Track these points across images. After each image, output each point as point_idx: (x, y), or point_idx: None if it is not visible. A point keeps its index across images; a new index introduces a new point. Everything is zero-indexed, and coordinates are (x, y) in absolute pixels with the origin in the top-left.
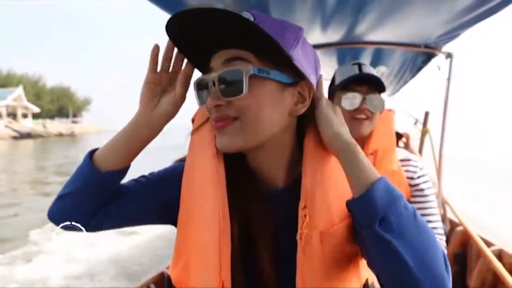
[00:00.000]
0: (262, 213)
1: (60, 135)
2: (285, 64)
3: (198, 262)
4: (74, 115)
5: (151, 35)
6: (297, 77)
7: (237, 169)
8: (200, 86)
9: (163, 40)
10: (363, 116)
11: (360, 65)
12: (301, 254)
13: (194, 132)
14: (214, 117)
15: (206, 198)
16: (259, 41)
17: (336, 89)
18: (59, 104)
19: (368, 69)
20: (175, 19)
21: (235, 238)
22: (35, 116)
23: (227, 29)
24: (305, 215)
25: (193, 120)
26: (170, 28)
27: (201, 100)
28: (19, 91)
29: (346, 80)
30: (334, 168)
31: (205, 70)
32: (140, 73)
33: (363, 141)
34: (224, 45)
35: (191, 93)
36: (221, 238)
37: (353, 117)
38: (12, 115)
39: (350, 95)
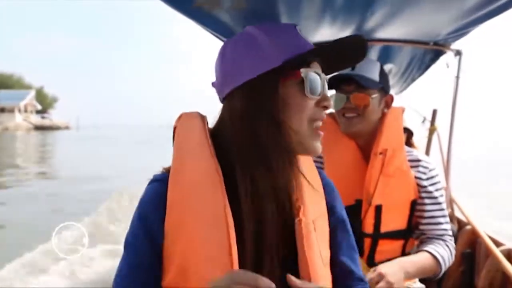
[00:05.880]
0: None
1: (67, 127)
2: None
3: (203, 262)
4: (44, 111)
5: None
6: None
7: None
8: None
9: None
10: (351, 114)
11: None
12: (302, 234)
13: (180, 136)
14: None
15: (204, 198)
16: None
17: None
18: (37, 101)
19: (362, 66)
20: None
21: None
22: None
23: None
24: (299, 206)
25: (175, 127)
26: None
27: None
28: (32, 92)
29: (331, 80)
30: (311, 173)
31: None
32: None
33: (371, 139)
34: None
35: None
36: (230, 234)
37: (344, 115)
38: (24, 111)
39: (335, 95)
